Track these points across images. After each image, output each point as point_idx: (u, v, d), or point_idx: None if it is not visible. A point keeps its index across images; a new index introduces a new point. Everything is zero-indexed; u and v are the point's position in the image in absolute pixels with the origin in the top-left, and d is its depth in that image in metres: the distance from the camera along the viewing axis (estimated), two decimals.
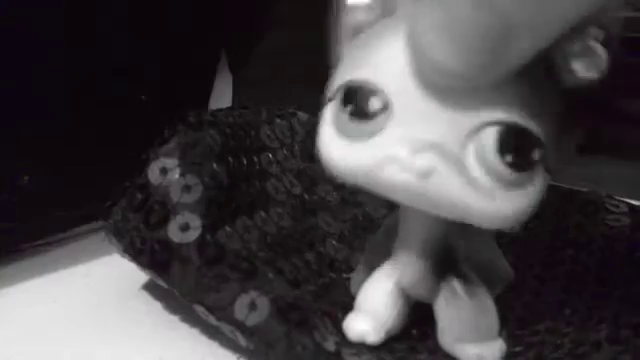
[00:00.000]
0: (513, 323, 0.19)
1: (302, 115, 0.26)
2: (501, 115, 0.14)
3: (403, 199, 0.15)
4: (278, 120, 0.25)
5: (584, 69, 0.14)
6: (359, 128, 0.15)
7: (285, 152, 0.25)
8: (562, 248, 0.23)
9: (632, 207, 0.24)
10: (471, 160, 0.14)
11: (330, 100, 0.16)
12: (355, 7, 0.16)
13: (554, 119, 0.15)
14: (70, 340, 0.19)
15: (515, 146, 0.14)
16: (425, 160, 0.14)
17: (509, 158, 0.14)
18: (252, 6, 0.35)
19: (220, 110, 0.24)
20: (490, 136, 0.14)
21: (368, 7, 0.16)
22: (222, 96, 0.35)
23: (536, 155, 0.14)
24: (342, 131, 0.15)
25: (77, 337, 0.20)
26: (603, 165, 0.34)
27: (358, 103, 0.15)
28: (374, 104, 0.15)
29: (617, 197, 0.25)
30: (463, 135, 0.14)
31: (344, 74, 0.16)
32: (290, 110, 0.26)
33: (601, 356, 0.16)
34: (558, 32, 0.13)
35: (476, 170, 0.14)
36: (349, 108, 0.15)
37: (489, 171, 0.14)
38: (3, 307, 0.21)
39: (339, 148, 0.15)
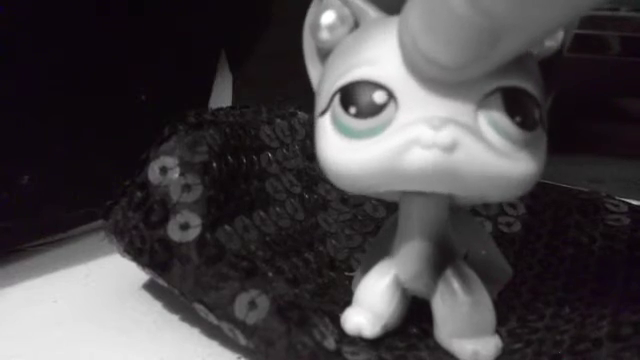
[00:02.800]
0: (513, 321, 0.19)
1: (302, 115, 0.26)
2: (503, 82, 0.15)
3: (429, 181, 0.15)
4: (278, 120, 0.25)
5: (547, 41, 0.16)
6: (367, 125, 0.15)
7: (285, 152, 0.25)
8: (562, 247, 0.23)
9: (632, 207, 0.24)
10: (485, 128, 0.15)
11: (324, 112, 0.16)
12: (318, 27, 0.16)
13: (540, 83, 0.16)
14: (70, 340, 0.19)
15: (521, 106, 0.15)
16: (447, 133, 0.14)
17: (518, 118, 0.15)
18: (252, 6, 0.35)
19: (220, 109, 0.24)
20: (497, 101, 0.15)
21: (330, 27, 0.16)
22: (222, 95, 0.35)
23: (537, 114, 0.15)
24: (348, 133, 0.15)
25: (77, 336, 0.20)
26: (603, 165, 0.34)
27: (360, 101, 0.15)
28: (378, 98, 0.15)
29: (617, 197, 0.25)
30: (472, 107, 0.15)
31: (334, 83, 0.16)
32: (290, 110, 0.26)
33: (601, 353, 0.16)
34: (546, 34, 0.14)
35: (492, 136, 0.15)
36: (352, 110, 0.15)
37: (504, 134, 0.15)
38: (3, 307, 0.21)
39: (349, 151, 0.15)
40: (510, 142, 0.15)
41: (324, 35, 0.16)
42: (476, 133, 0.15)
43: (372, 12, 0.16)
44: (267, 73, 0.35)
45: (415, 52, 0.14)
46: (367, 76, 0.15)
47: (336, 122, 0.15)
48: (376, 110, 0.15)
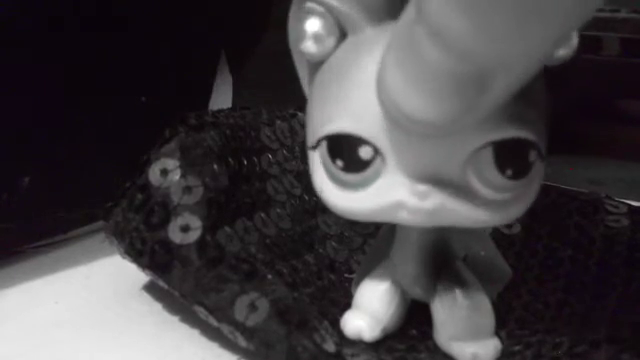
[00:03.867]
0: (512, 323, 0.19)
1: (302, 116, 0.26)
2: (492, 135, 0.14)
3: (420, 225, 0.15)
4: (278, 121, 0.25)
5: (560, 49, 0.14)
6: (355, 179, 0.15)
7: (285, 153, 0.25)
8: (561, 249, 0.23)
9: (632, 208, 0.24)
10: (474, 182, 0.14)
11: (313, 148, 0.15)
12: (302, 36, 0.15)
13: (541, 107, 0.15)
14: (70, 341, 0.19)
15: (513, 158, 0.14)
16: (432, 201, 0.14)
17: (509, 172, 0.14)
18: (252, 7, 0.35)
19: (220, 111, 0.24)
20: (488, 157, 0.14)
21: (316, 36, 0.15)
22: (222, 97, 0.35)
23: (533, 156, 0.14)
24: (337, 182, 0.15)
25: (77, 338, 0.20)
26: (603, 166, 0.34)
27: (347, 157, 0.15)
28: (364, 154, 0.14)
29: (616, 198, 0.25)
30: (461, 162, 0.14)
31: (321, 123, 0.15)
32: (290, 111, 0.26)
33: (600, 355, 0.16)
34: (537, 66, 0.12)
35: (480, 189, 0.14)
36: (339, 163, 0.15)
37: (493, 187, 0.14)
38: (4, 308, 0.21)
39: (339, 197, 0.15)
40: (500, 193, 0.14)
41: (310, 47, 0.15)
42: (463, 192, 0.14)
43: (361, 20, 0.15)
44: (267, 75, 0.35)
45: (399, 115, 0.13)
46: (351, 130, 0.14)
47: (325, 167, 0.15)
48: (363, 165, 0.14)
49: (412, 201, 0.14)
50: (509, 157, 0.14)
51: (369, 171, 0.14)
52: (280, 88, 0.34)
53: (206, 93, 0.33)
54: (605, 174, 0.34)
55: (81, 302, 0.22)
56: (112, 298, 0.22)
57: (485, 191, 0.14)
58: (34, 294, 0.22)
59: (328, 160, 0.15)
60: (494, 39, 0.11)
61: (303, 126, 0.26)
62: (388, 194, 0.14)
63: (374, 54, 0.14)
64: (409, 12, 0.12)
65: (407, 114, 0.13)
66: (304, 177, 0.25)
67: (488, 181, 0.14)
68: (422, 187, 0.14)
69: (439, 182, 0.14)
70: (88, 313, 0.21)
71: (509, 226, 0.24)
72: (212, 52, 0.34)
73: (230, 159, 0.22)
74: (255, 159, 0.23)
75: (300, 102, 0.26)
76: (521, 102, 0.14)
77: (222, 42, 0.34)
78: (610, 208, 0.24)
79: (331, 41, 0.15)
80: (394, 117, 0.13)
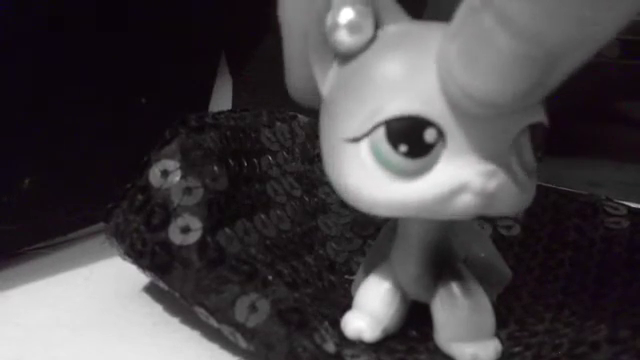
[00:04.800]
0: (513, 324, 0.19)
1: (302, 118, 0.26)
2: (530, 118, 0.15)
3: (464, 218, 0.15)
4: (278, 123, 0.25)
5: None
6: (416, 165, 0.14)
7: (285, 155, 0.25)
8: (561, 250, 0.23)
9: (631, 210, 0.24)
10: (515, 165, 0.15)
11: (357, 140, 0.15)
12: (337, 26, 0.15)
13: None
14: (71, 342, 0.19)
15: (541, 142, 0.15)
16: (495, 182, 0.14)
17: (540, 154, 0.15)
18: (252, 9, 0.35)
19: (221, 113, 0.24)
20: (526, 140, 0.15)
21: (351, 26, 0.15)
22: (222, 99, 0.35)
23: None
24: (394, 171, 0.14)
25: (78, 339, 0.20)
26: (602, 168, 0.35)
27: (412, 140, 0.14)
28: (429, 137, 0.14)
29: (616, 200, 0.25)
30: (508, 146, 0.15)
31: (374, 111, 0.14)
32: (290, 113, 0.26)
33: (599, 356, 0.16)
34: (599, 47, 0.13)
35: (519, 172, 0.15)
36: (403, 148, 0.14)
37: (527, 170, 0.15)
38: (4, 309, 0.21)
39: (392, 190, 0.14)
40: (529, 175, 0.15)
41: (343, 37, 0.15)
42: (512, 174, 0.15)
43: (394, 15, 0.15)
44: (267, 76, 0.35)
45: (467, 100, 0.13)
46: (417, 111, 0.14)
47: (379, 157, 0.14)
48: (427, 149, 0.14)
49: (478, 182, 0.14)
50: (540, 140, 0.15)
51: (431, 156, 0.14)
52: (280, 90, 0.34)
53: (206, 95, 0.33)
54: (605, 176, 0.34)
55: (81, 303, 0.22)
56: (112, 299, 0.22)
57: (522, 174, 0.15)
58: (34, 296, 0.22)
59: (387, 148, 0.14)
60: (564, 24, 0.12)
61: (303, 128, 0.26)
62: (452, 177, 0.14)
63: (425, 44, 0.14)
64: (470, 0, 0.13)
65: (476, 98, 0.13)
66: (304, 179, 0.25)
67: (525, 163, 0.15)
68: (489, 167, 0.14)
69: (501, 166, 0.14)
70: (88, 314, 0.21)
71: (509, 228, 0.24)
72: (212, 55, 0.34)
73: (230, 160, 0.22)
74: (255, 161, 0.23)
75: (300, 104, 0.26)
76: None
77: (222, 44, 0.35)
78: (610, 210, 0.24)
79: (366, 32, 0.15)
80: (457, 99, 0.14)
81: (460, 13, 0.13)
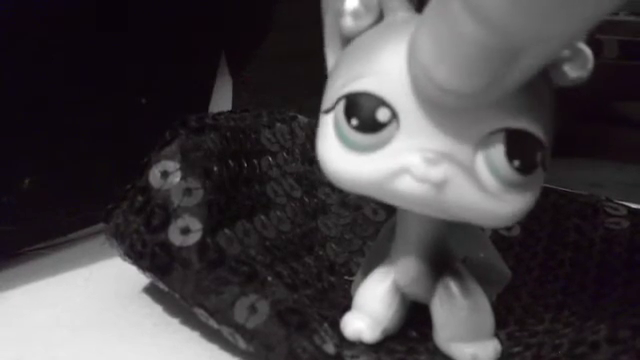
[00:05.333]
0: (512, 324, 0.19)
1: (302, 118, 0.26)
2: (509, 122, 0.14)
3: (414, 207, 0.15)
4: (278, 124, 0.25)
5: (574, 70, 0.15)
6: (366, 140, 0.15)
7: (285, 155, 0.25)
8: (561, 251, 0.23)
9: (631, 210, 0.24)
10: (481, 167, 0.14)
11: (328, 111, 0.16)
12: (343, 12, 0.16)
13: (550, 118, 0.15)
14: (70, 343, 0.19)
15: (523, 151, 0.14)
16: (440, 170, 0.14)
17: (517, 163, 0.14)
18: (252, 9, 0.35)
19: (221, 114, 0.24)
20: (498, 143, 0.14)
21: (355, 13, 0.16)
22: (222, 99, 0.35)
23: (539, 157, 0.15)
24: (347, 144, 0.15)
25: (77, 340, 0.20)
26: (602, 168, 0.35)
27: (363, 115, 0.15)
28: (381, 115, 0.14)
29: (616, 200, 0.25)
30: (473, 143, 0.14)
31: (343, 83, 0.15)
32: (290, 114, 0.26)
33: (599, 356, 0.16)
34: (562, 47, 0.13)
35: (486, 176, 0.14)
36: (354, 121, 0.15)
37: (498, 176, 0.14)
38: (4, 310, 0.21)
39: (346, 161, 0.15)
40: (503, 185, 0.14)
41: (348, 22, 0.16)
42: (470, 172, 0.14)
43: (397, 4, 0.16)
44: (267, 77, 0.35)
45: (428, 83, 0.13)
46: (374, 90, 0.15)
47: (337, 128, 0.15)
48: (377, 127, 0.14)
49: (421, 166, 0.14)
50: (519, 148, 0.14)
51: (382, 134, 0.15)
52: (280, 90, 0.34)
53: (206, 95, 0.33)
54: (605, 176, 0.34)
55: (81, 304, 0.22)
56: (112, 300, 0.22)
57: (490, 180, 0.14)
58: (34, 296, 0.22)
59: (343, 120, 0.15)
60: (532, 17, 0.12)
61: (303, 128, 0.26)
62: (397, 157, 0.14)
63: (406, 30, 0.14)
64: None
65: (436, 82, 0.13)
66: (304, 179, 0.25)
67: (495, 168, 0.14)
68: (434, 154, 0.14)
69: (450, 157, 0.14)
70: (88, 315, 0.21)
71: (509, 228, 0.24)
72: (212, 55, 0.34)
73: (230, 161, 0.22)
74: (255, 161, 0.23)
75: (300, 105, 0.26)
76: (538, 107, 0.14)
77: (222, 44, 0.35)
78: (610, 210, 0.24)
79: (369, 19, 0.16)
80: (422, 85, 0.14)
81: None
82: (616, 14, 0.33)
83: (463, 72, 0.13)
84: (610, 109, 0.36)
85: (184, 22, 0.30)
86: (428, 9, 0.13)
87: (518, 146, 0.14)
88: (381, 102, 0.14)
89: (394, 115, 0.14)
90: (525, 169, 0.14)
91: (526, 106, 0.14)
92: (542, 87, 0.15)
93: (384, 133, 0.15)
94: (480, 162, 0.14)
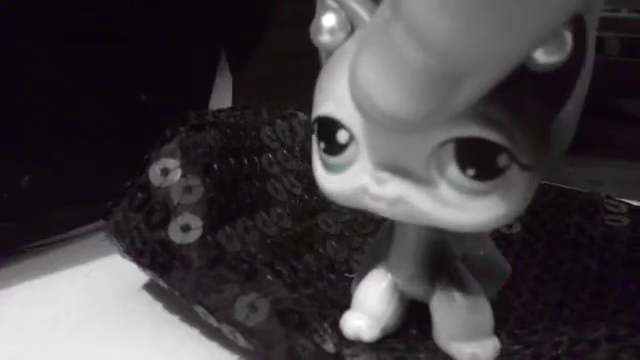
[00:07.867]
0: (512, 322, 0.19)
1: (302, 116, 0.26)
2: (456, 132, 0.14)
3: (389, 217, 0.16)
4: (279, 121, 0.25)
5: (546, 55, 0.13)
6: (334, 161, 0.16)
7: (285, 153, 0.25)
8: (561, 248, 0.23)
9: (631, 208, 0.24)
10: (437, 179, 0.14)
11: (313, 132, 0.16)
12: (320, 29, 0.16)
13: (522, 110, 0.14)
14: (70, 341, 0.19)
15: (476, 158, 0.14)
16: (390, 189, 0.14)
17: (471, 172, 0.14)
18: (253, 6, 0.35)
19: (221, 111, 0.24)
20: (449, 152, 0.14)
21: (331, 30, 0.16)
22: (222, 96, 0.35)
23: (503, 160, 0.14)
24: (323, 163, 0.16)
25: (77, 338, 0.20)
26: (602, 166, 0.35)
27: (327, 139, 0.15)
28: (341, 138, 0.15)
29: (616, 198, 0.25)
30: (425, 155, 0.14)
31: (316, 106, 0.16)
32: (290, 111, 0.26)
33: (599, 354, 0.16)
34: (511, 66, 0.12)
35: (443, 187, 0.14)
36: (322, 144, 0.16)
37: (456, 186, 0.14)
38: (3, 307, 0.21)
39: (324, 179, 0.16)
40: (463, 194, 0.14)
41: (325, 38, 0.16)
42: (424, 184, 0.14)
43: (365, 17, 0.16)
44: (267, 74, 0.35)
45: (370, 108, 0.13)
46: (333, 113, 0.15)
47: (315, 149, 0.16)
48: (339, 149, 0.15)
49: (373, 187, 0.15)
50: (471, 156, 0.14)
51: (346, 155, 0.15)
52: (280, 87, 0.34)
53: (206, 92, 0.33)
54: (605, 174, 0.34)
55: (81, 301, 0.22)
56: (112, 298, 0.22)
57: (447, 190, 0.14)
58: (34, 293, 0.22)
59: (316, 142, 0.16)
60: (473, 42, 0.11)
61: (303, 126, 0.26)
62: (355, 178, 0.15)
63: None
64: (383, 9, 0.12)
65: (378, 108, 0.13)
66: (304, 177, 0.25)
67: (450, 179, 0.14)
68: (382, 174, 0.15)
69: (402, 173, 0.14)
70: (88, 312, 0.21)
71: (509, 226, 0.24)
72: (212, 52, 0.34)
73: (230, 159, 0.22)
74: (255, 159, 0.23)
75: (300, 102, 0.26)
76: (494, 106, 0.13)
77: (222, 41, 0.34)
78: (610, 208, 0.24)
79: (341, 34, 0.16)
80: (365, 110, 0.13)
81: (372, 22, 0.13)
82: (618, 11, 0.33)
83: (405, 98, 0.12)
84: (611, 107, 0.36)
85: (184, 19, 0.30)
86: (365, 36, 0.13)
87: (470, 154, 0.14)
88: (339, 125, 0.15)
89: (352, 137, 0.15)
90: (483, 175, 0.14)
91: (478, 112, 0.13)
92: (514, 85, 0.13)
93: (347, 154, 0.15)
94: (435, 174, 0.14)
